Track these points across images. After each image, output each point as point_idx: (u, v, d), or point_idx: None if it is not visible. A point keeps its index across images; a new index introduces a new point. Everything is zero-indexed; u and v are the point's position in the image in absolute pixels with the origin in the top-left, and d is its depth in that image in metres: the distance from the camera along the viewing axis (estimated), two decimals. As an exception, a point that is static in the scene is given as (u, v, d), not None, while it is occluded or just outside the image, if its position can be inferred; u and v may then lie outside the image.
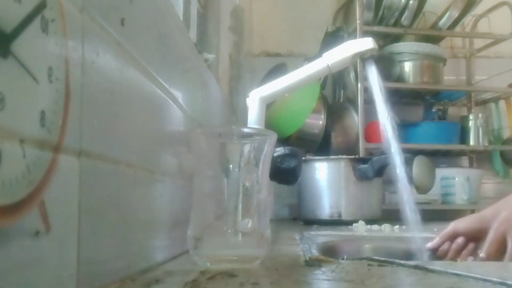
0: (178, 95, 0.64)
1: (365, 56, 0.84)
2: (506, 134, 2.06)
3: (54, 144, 0.32)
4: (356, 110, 1.75)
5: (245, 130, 0.64)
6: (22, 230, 0.28)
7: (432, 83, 1.89)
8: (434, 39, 1.95)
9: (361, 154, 1.69)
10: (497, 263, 0.74)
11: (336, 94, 1.96)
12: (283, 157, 0.79)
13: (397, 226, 1.23)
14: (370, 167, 1.47)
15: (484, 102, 2.10)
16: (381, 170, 1.47)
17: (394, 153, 0.80)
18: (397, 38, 1.93)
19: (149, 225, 0.52)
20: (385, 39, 1.95)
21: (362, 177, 1.49)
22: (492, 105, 2.09)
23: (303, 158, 1.53)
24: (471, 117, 1.96)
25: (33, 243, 0.29)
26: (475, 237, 0.81)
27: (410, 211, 0.77)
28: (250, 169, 0.56)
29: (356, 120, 1.77)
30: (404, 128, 1.90)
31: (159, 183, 0.56)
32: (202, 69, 0.89)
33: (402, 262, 0.55)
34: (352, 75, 1.79)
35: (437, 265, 0.53)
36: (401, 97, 1.96)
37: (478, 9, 1.92)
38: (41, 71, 0.30)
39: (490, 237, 0.77)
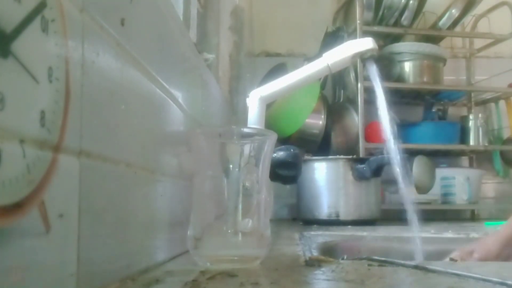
0: (178, 95, 0.64)
1: (365, 56, 0.84)
2: (506, 134, 2.06)
3: (54, 144, 0.32)
4: (356, 110, 1.75)
5: (245, 130, 0.64)
6: (22, 230, 0.28)
7: (432, 83, 1.89)
8: (434, 39, 1.95)
9: (361, 154, 1.69)
10: (497, 263, 0.74)
11: (336, 94, 1.96)
12: (282, 156, 0.79)
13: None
14: (368, 167, 1.47)
15: (484, 102, 2.10)
16: (379, 170, 1.47)
17: (393, 153, 0.80)
18: (397, 38, 1.93)
19: (149, 225, 0.52)
20: (385, 39, 1.95)
21: (360, 177, 1.49)
22: (492, 105, 2.09)
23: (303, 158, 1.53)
24: (471, 117, 1.96)
25: (33, 243, 0.29)
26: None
27: (410, 211, 0.76)
28: (250, 169, 0.56)
29: (356, 120, 1.77)
30: (404, 128, 1.90)
31: (159, 183, 0.56)
32: (202, 69, 0.89)
33: (402, 262, 0.55)
34: (352, 75, 1.79)
35: (437, 265, 0.53)
36: (401, 97, 1.96)
37: (478, 9, 1.92)
38: (41, 71, 0.30)
39: None
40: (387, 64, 1.81)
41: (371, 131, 1.75)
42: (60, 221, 0.32)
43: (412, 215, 0.75)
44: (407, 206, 0.75)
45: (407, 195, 0.77)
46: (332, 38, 1.84)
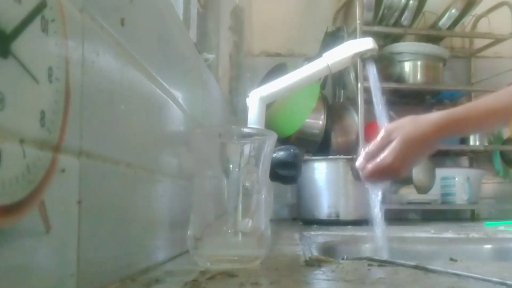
0: (178, 95, 0.64)
1: (365, 56, 0.84)
2: (506, 134, 2.05)
3: (54, 144, 0.32)
4: (356, 110, 1.75)
5: (245, 130, 0.64)
6: (22, 230, 0.28)
7: (432, 83, 1.89)
8: (434, 39, 1.95)
9: (361, 154, 1.68)
10: (497, 263, 0.74)
11: (336, 94, 1.96)
12: (282, 156, 0.79)
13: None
14: (368, 167, 1.47)
15: (484, 102, 2.10)
16: (379, 171, 1.46)
17: None
18: (397, 38, 1.93)
19: (149, 225, 0.52)
20: (385, 39, 1.94)
21: (360, 177, 1.49)
22: (492, 105, 2.09)
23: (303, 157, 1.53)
24: (471, 117, 1.96)
25: (33, 243, 0.29)
26: None
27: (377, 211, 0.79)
28: (250, 169, 0.56)
29: (356, 120, 1.77)
30: (404, 128, 1.90)
31: (159, 183, 0.56)
32: (202, 69, 0.89)
33: (402, 262, 0.55)
34: (352, 75, 1.79)
35: (437, 265, 0.53)
36: (401, 97, 1.96)
37: (478, 9, 1.92)
38: (41, 71, 0.30)
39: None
40: (387, 64, 1.81)
41: (371, 131, 1.75)
42: (60, 221, 0.32)
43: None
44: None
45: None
46: (332, 38, 1.84)
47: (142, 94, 0.50)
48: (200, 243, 0.54)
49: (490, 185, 2.09)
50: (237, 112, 1.44)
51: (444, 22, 1.86)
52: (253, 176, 0.56)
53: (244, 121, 0.86)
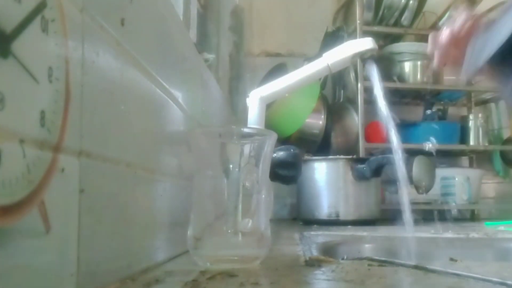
0: (178, 95, 0.64)
1: (365, 56, 0.84)
2: (506, 134, 2.05)
3: (54, 144, 0.32)
4: (356, 110, 1.75)
5: (245, 130, 0.64)
6: (22, 230, 0.28)
7: (432, 83, 1.89)
8: (434, 39, 1.95)
9: (361, 154, 1.68)
10: (497, 263, 0.74)
11: (336, 94, 1.96)
12: (282, 156, 0.79)
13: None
14: (367, 167, 1.47)
15: (484, 102, 2.10)
16: (379, 170, 1.46)
17: (394, 153, 0.80)
18: (397, 38, 1.93)
19: (149, 225, 0.52)
20: (385, 39, 1.95)
21: (360, 177, 1.49)
22: (492, 105, 2.09)
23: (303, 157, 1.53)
24: (471, 117, 1.96)
25: (33, 243, 0.29)
26: None
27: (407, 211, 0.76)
28: (250, 169, 0.56)
29: (356, 120, 1.77)
30: (404, 128, 1.90)
31: (159, 183, 0.56)
32: (202, 69, 0.89)
33: (402, 262, 0.55)
34: (352, 75, 1.79)
35: (437, 265, 0.53)
36: (401, 97, 1.96)
37: (478, 9, 1.92)
38: (41, 71, 0.30)
39: None
40: (387, 64, 1.81)
41: (371, 131, 1.75)
42: (60, 221, 0.32)
43: (409, 215, 0.75)
44: (404, 207, 0.76)
45: (405, 195, 0.77)
46: (332, 38, 1.84)
47: (142, 94, 0.50)
48: (200, 243, 0.54)
49: (490, 185, 2.09)
50: (237, 112, 1.44)
51: (444, 22, 1.86)
52: (253, 176, 0.56)
53: (244, 121, 0.86)
